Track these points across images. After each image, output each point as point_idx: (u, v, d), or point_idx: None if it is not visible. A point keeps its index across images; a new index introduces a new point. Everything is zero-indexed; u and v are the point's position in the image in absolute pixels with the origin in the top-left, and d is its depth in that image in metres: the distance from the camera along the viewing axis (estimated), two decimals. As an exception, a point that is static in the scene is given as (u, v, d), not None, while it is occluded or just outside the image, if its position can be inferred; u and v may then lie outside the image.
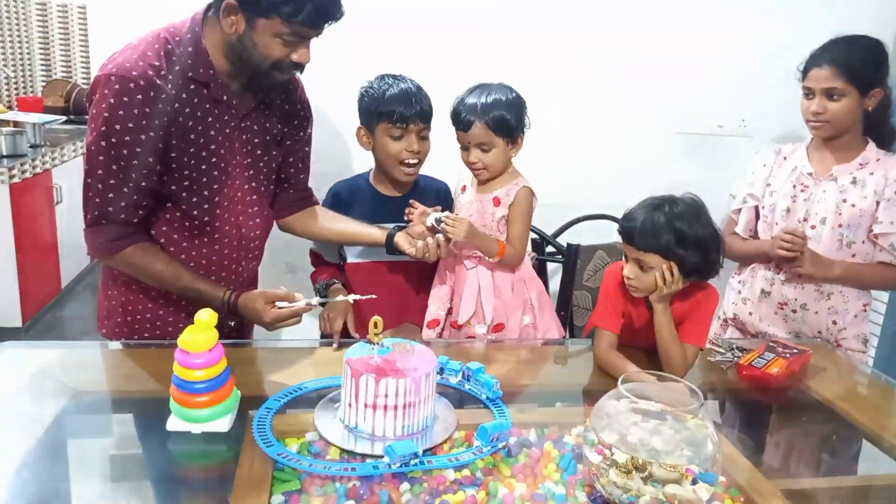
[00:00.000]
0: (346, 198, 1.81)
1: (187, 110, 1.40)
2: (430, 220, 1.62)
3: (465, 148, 1.70)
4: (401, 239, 1.64)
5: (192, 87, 1.40)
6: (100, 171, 1.38)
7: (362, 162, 1.94)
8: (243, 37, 1.35)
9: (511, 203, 1.70)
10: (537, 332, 1.79)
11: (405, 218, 1.72)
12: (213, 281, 1.51)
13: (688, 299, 1.49)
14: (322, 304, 1.53)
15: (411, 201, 1.69)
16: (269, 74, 1.41)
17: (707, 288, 1.52)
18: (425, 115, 1.71)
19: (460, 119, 1.67)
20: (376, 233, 1.68)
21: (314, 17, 1.32)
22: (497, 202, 1.71)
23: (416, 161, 1.73)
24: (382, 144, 1.72)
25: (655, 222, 1.40)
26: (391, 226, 1.69)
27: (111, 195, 1.39)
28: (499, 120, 1.64)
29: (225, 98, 1.44)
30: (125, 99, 1.33)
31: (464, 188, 1.80)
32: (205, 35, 1.40)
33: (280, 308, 1.43)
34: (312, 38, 1.39)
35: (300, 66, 1.42)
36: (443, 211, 1.66)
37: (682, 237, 1.39)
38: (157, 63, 1.36)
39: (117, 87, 1.32)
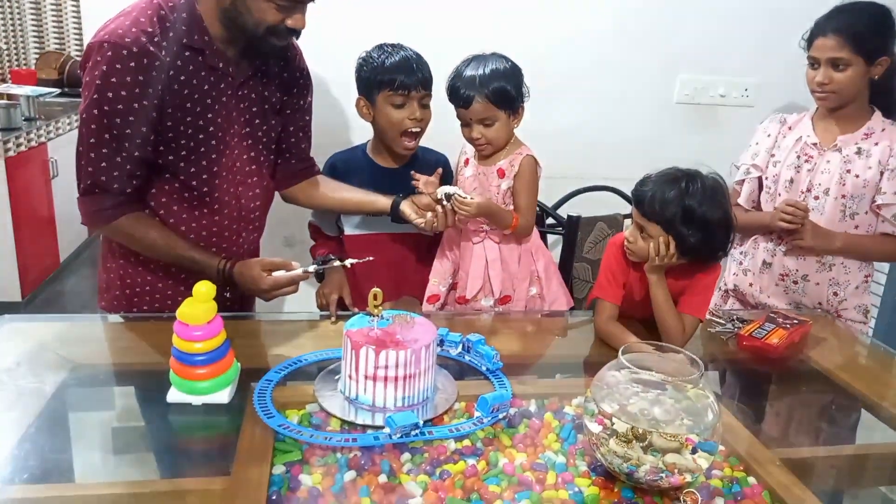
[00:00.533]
0: (343, 169, 1.79)
1: (182, 78, 1.37)
2: (440, 193, 1.60)
3: (466, 124, 1.68)
4: (406, 208, 1.62)
5: (187, 54, 1.37)
6: (92, 140, 1.36)
7: (360, 133, 1.92)
8: (237, 2, 1.33)
9: (516, 174, 1.69)
10: (544, 302, 1.79)
11: (414, 188, 1.69)
12: (208, 250, 1.50)
13: (688, 271, 1.48)
14: (319, 272, 1.51)
15: (412, 173, 1.67)
16: (265, 40, 1.38)
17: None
18: (427, 83, 1.69)
19: (459, 95, 1.64)
20: (381, 200, 1.66)
21: None
22: (501, 174, 1.70)
23: (417, 129, 1.71)
24: (384, 113, 1.69)
25: (665, 194, 1.40)
26: (396, 195, 1.67)
27: (104, 164, 1.37)
28: (499, 92, 1.62)
29: (221, 65, 1.42)
30: (118, 66, 1.30)
31: (466, 161, 1.77)
32: (199, 1, 1.38)
33: (277, 276, 1.41)
34: (307, 2, 1.37)
35: (296, 32, 1.40)
36: (441, 180, 1.64)
37: (688, 215, 1.38)
38: (150, 29, 1.33)
39: (110, 53, 1.30)
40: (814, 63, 1.74)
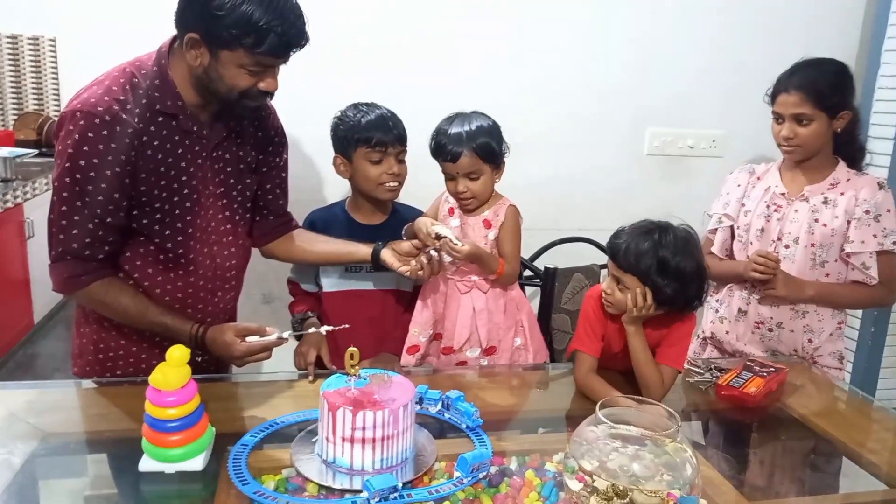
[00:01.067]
0: (322, 226, 1.80)
1: (156, 143, 1.38)
2: (434, 231, 1.59)
3: (451, 178, 1.71)
4: (388, 255, 1.63)
5: (160, 119, 1.38)
6: (63, 207, 1.36)
7: (336, 189, 1.94)
8: (208, 69, 1.34)
9: (501, 223, 1.72)
10: (528, 353, 1.79)
11: (402, 233, 1.72)
12: (181, 315, 1.48)
13: (664, 322, 1.50)
14: (296, 338, 1.50)
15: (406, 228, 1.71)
16: (239, 104, 1.39)
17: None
18: (402, 139, 1.74)
19: (446, 150, 1.66)
20: (362, 249, 1.66)
21: (278, 46, 1.31)
22: (487, 224, 1.73)
23: (395, 184, 1.74)
24: (362, 170, 1.73)
25: (640, 246, 1.42)
26: (376, 243, 1.67)
27: (75, 231, 1.37)
28: (485, 147, 1.66)
29: (195, 129, 1.43)
30: (90, 134, 1.31)
31: (451, 210, 1.79)
32: (171, 67, 1.39)
33: (250, 342, 1.39)
34: (278, 66, 1.39)
35: (269, 94, 1.41)
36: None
37: (663, 266, 1.41)
38: (122, 98, 1.35)
39: (82, 122, 1.31)
40: (778, 118, 1.79)
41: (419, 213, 1.87)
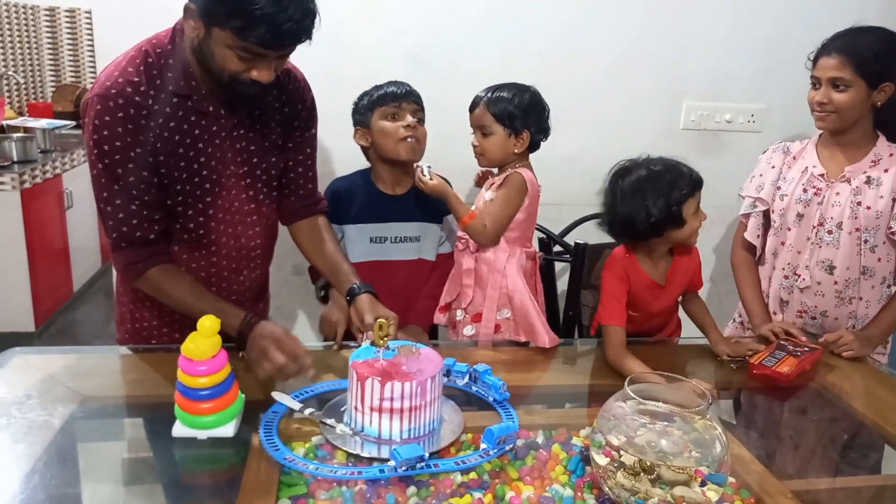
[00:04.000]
0: (345, 195, 1.82)
1: (172, 124, 1.36)
2: (419, 167, 1.72)
3: (474, 132, 1.76)
4: (362, 302, 1.47)
5: (175, 100, 1.36)
6: (105, 194, 1.37)
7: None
8: (202, 43, 1.28)
9: (496, 184, 1.73)
10: (519, 329, 1.72)
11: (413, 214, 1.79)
12: (234, 305, 1.42)
13: (679, 269, 1.62)
14: (323, 297, 1.57)
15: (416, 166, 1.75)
16: (231, 87, 1.31)
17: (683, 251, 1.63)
18: (418, 98, 1.81)
19: (472, 102, 1.74)
20: (345, 281, 1.54)
21: (268, 38, 1.21)
22: (490, 185, 1.77)
23: (412, 139, 1.77)
24: (380, 129, 1.77)
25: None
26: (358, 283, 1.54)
27: (121, 215, 1.38)
28: (499, 107, 1.70)
29: (211, 109, 1.39)
30: (107, 118, 1.31)
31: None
32: (185, 44, 1.35)
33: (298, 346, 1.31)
34: (273, 58, 1.29)
35: (260, 84, 1.31)
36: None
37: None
38: (136, 79, 1.33)
39: (99, 107, 1.31)
40: (816, 82, 1.72)
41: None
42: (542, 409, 1.44)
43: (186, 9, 1.28)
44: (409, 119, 1.76)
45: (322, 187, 1.80)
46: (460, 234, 1.77)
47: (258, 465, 1.10)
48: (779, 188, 1.84)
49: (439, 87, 1.88)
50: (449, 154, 1.91)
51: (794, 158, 1.85)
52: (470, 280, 1.74)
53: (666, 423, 1.03)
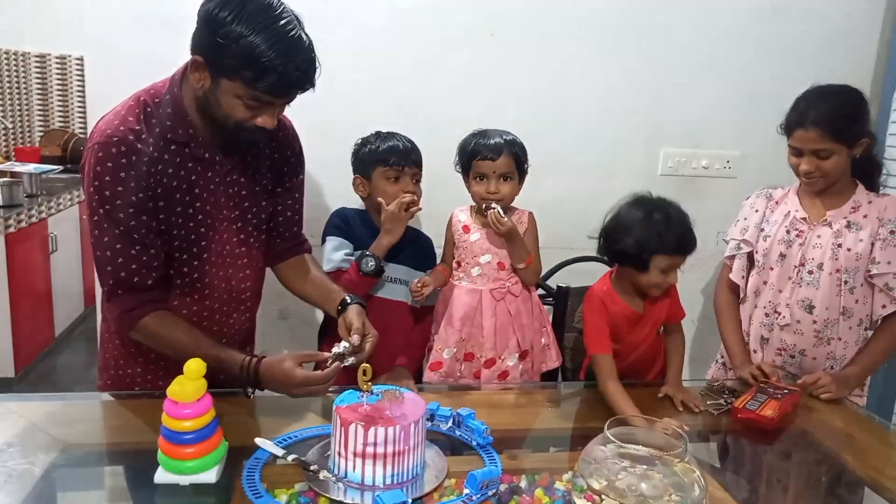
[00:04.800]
0: (352, 221, 1.89)
1: (170, 171, 1.40)
2: (491, 205, 1.76)
3: (481, 180, 1.80)
4: (351, 314, 1.50)
5: (173, 147, 1.39)
6: (105, 238, 1.38)
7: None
8: (208, 93, 1.34)
9: (526, 229, 1.86)
10: (552, 349, 1.93)
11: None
12: (232, 348, 1.46)
13: (657, 298, 1.67)
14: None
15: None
16: (235, 134, 1.37)
17: None
18: (419, 163, 1.85)
19: (488, 147, 1.78)
20: (334, 300, 1.57)
21: (277, 86, 1.29)
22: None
23: (414, 205, 1.82)
24: (380, 188, 1.82)
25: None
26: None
27: (120, 259, 1.39)
28: (520, 151, 1.81)
29: (206, 156, 1.43)
30: (109, 164, 1.34)
31: (466, 228, 1.86)
32: (184, 92, 1.40)
33: (307, 372, 1.35)
34: (277, 105, 1.36)
35: (265, 130, 1.38)
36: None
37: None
38: (137, 127, 1.36)
39: (101, 154, 1.34)
40: (797, 152, 1.75)
41: (422, 233, 2.00)
42: (526, 453, 1.44)
43: (193, 62, 1.33)
44: (409, 186, 1.82)
45: (316, 228, 1.85)
46: (497, 287, 1.82)
47: (240, 513, 1.09)
48: (762, 230, 1.89)
49: (425, 133, 1.92)
50: (433, 199, 1.95)
51: (777, 203, 1.90)
52: (520, 324, 1.84)
53: (646, 467, 1.05)
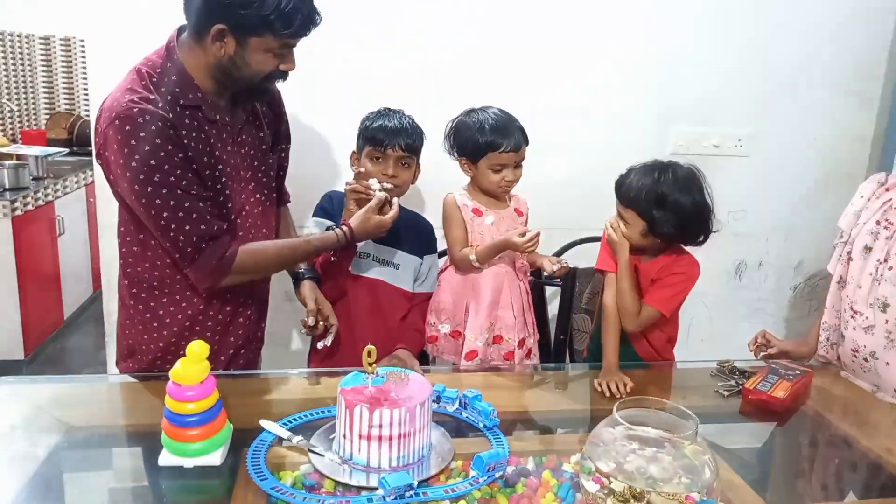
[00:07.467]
0: (338, 203, 1.82)
1: (192, 134, 1.41)
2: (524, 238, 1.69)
3: (499, 170, 1.74)
4: (305, 289, 1.69)
5: (187, 112, 1.41)
6: (172, 203, 1.37)
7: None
8: (234, 57, 1.38)
9: (528, 209, 1.87)
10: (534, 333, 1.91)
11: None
12: (319, 234, 1.63)
13: (667, 265, 1.63)
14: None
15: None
16: (260, 87, 1.46)
17: (687, 258, 1.65)
18: (411, 146, 1.74)
19: (511, 140, 1.71)
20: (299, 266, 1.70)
21: (302, 25, 1.38)
22: (519, 213, 1.85)
23: (390, 186, 1.72)
24: (365, 166, 1.77)
25: (642, 182, 1.57)
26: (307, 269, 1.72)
27: (195, 215, 1.39)
28: (525, 137, 1.77)
29: (218, 117, 1.46)
30: (142, 134, 1.33)
31: (476, 211, 1.80)
32: (187, 60, 1.41)
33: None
34: (295, 45, 1.44)
35: (286, 74, 1.47)
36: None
37: (660, 201, 1.53)
38: (152, 96, 1.37)
39: (128, 127, 1.33)
40: None
41: (421, 217, 1.95)
42: (533, 434, 1.43)
43: (215, 31, 1.35)
44: (390, 169, 1.73)
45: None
46: (520, 266, 1.84)
47: (245, 495, 1.09)
48: (858, 217, 1.75)
49: (425, 110, 1.88)
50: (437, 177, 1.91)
51: (886, 190, 1.73)
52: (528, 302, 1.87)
53: (655, 449, 1.03)
